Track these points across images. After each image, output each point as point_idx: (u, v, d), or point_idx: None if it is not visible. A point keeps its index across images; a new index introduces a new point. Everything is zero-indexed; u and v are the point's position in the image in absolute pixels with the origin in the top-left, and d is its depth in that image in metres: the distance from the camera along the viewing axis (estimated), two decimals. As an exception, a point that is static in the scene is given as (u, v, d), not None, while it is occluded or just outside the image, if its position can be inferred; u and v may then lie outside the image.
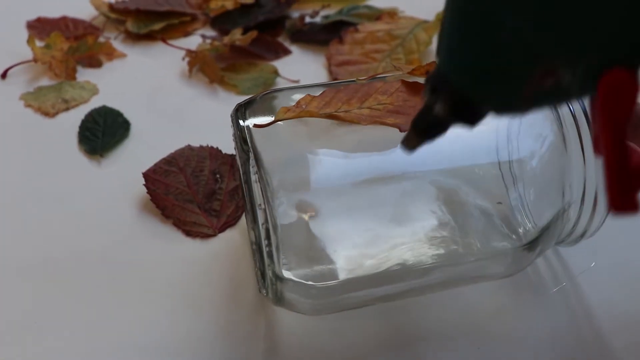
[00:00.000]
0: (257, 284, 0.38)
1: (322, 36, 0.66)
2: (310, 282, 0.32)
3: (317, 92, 0.35)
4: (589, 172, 0.34)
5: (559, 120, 0.34)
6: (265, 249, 0.31)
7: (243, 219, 0.44)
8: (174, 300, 0.39)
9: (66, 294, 0.40)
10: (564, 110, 0.34)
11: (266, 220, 0.31)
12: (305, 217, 0.33)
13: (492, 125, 0.35)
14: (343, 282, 0.33)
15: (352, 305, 0.36)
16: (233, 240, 0.43)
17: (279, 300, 0.33)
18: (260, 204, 0.31)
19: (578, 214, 0.35)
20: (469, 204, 0.35)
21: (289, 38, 0.67)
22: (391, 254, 0.34)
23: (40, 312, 0.39)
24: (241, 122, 0.33)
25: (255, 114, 0.34)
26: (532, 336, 0.37)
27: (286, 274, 0.32)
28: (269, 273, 0.32)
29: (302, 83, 0.56)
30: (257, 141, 0.33)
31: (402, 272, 0.34)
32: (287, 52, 0.65)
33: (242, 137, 0.33)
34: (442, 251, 0.34)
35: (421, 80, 0.34)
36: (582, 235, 0.37)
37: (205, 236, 0.44)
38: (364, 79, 0.36)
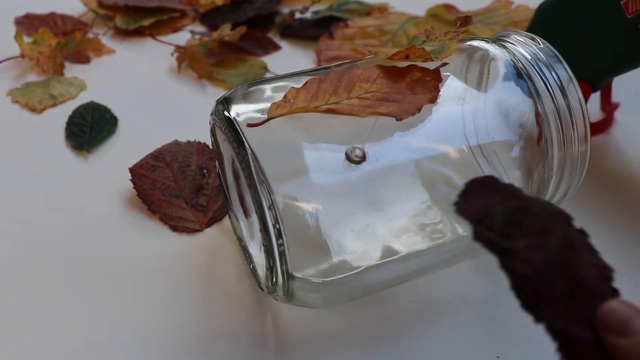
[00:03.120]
0: (256, 282, 0.38)
1: (312, 32, 0.65)
2: (321, 279, 0.32)
3: (294, 82, 0.34)
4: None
5: (533, 96, 0.35)
6: (278, 249, 0.31)
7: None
8: (160, 295, 0.39)
9: (51, 291, 0.40)
10: (538, 85, 0.36)
11: (277, 221, 0.31)
12: (310, 209, 0.32)
13: (458, 112, 0.35)
14: (352, 274, 0.33)
15: (360, 295, 0.36)
16: (219, 235, 0.43)
17: (290, 297, 0.33)
18: (269, 205, 0.31)
19: (556, 182, 0.36)
20: (452, 187, 0.36)
21: (278, 34, 0.67)
22: (392, 242, 0.34)
23: (24, 309, 0.39)
24: (232, 120, 0.33)
25: (239, 111, 0.34)
26: (522, 327, 0.36)
27: (298, 272, 0.32)
28: (281, 273, 0.32)
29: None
30: (251, 140, 0.32)
31: (406, 257, 0.34)
32: (276, 47, 0.65)
33: (238, 139, 0.32)
34: (438, 234, 0.35)
35: (400, 64, 0.34)
36: (562, 199, 0.38)
37: (192, 231, 0.43)
38: (338, 64, 0.35)
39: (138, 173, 0.46)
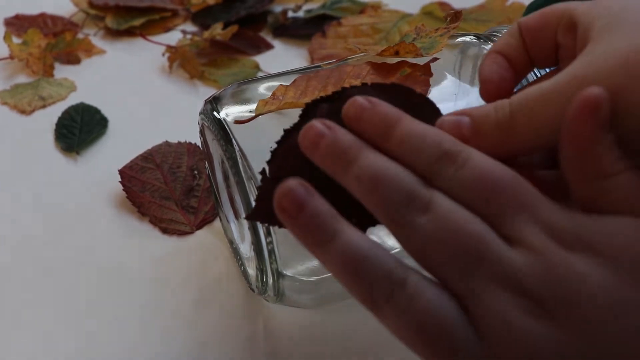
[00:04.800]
0: (247, 283, 0.37)
1: (305, 30, 0.65)
2: (312, 277, 0.32)
3: (284, 81, 0.34)
4: None
5: None
6: (267, 248, 0.30)
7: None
8: (150, 298, 0.38)
9: (39, 293, 0.39)
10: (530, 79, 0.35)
11: None
12: None
13: (450, 107, 0.35)
14: None
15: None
16: (211, 237, 0.42)
17: (280, 297, 0.33)
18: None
19: None
20: None
21: (271, 33, 0.66)
22: (386, 238, 0.34)
23: (9, 313, 0.38)
24: (221, 119, 0.33)
25: (228, 111, 0.33)
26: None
27: (287, 270, 0.31)
28: (270, 272, 0.31)
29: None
30: (239, 138, 0.32)
31: (401, 254, 0.33)
32: (269, 46, 0.64)
33: (225, 137, 0.32)
34: None
35: (390, 60, 0.34)
36: None
37: (183, 233, 0.42)
38: (328, 63, 0.35)
39: (127, 175, 0.45)
